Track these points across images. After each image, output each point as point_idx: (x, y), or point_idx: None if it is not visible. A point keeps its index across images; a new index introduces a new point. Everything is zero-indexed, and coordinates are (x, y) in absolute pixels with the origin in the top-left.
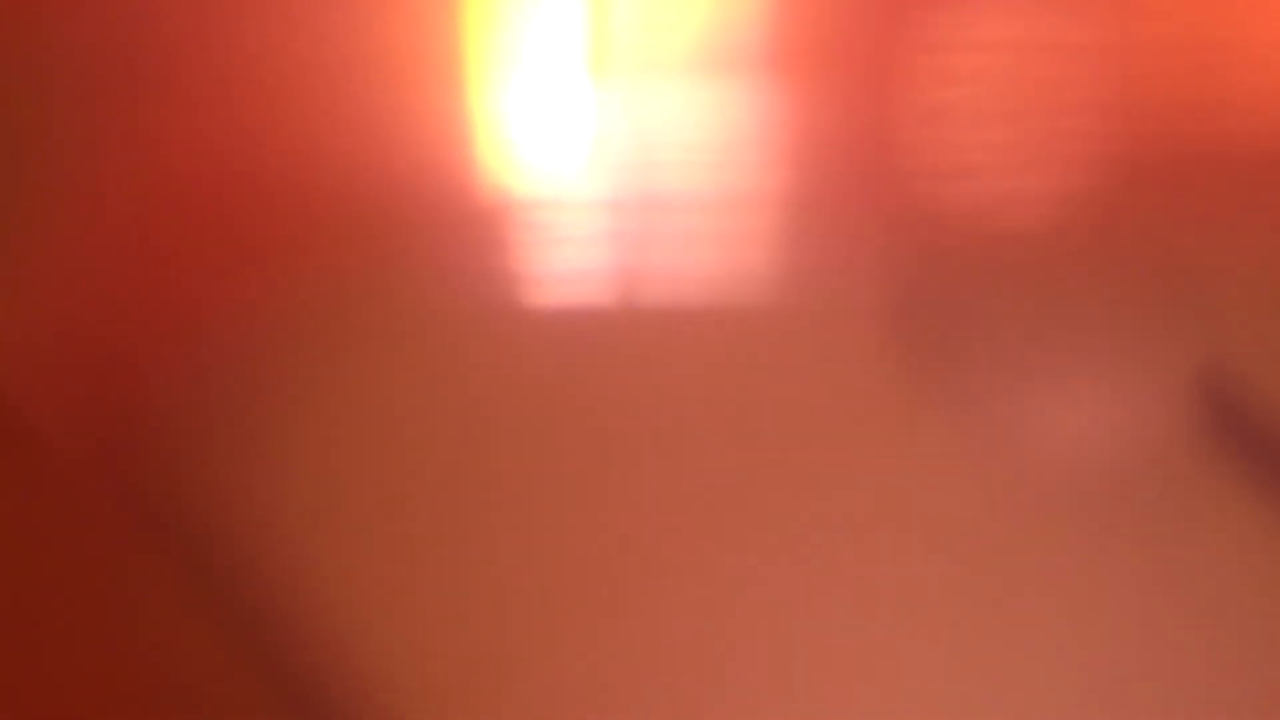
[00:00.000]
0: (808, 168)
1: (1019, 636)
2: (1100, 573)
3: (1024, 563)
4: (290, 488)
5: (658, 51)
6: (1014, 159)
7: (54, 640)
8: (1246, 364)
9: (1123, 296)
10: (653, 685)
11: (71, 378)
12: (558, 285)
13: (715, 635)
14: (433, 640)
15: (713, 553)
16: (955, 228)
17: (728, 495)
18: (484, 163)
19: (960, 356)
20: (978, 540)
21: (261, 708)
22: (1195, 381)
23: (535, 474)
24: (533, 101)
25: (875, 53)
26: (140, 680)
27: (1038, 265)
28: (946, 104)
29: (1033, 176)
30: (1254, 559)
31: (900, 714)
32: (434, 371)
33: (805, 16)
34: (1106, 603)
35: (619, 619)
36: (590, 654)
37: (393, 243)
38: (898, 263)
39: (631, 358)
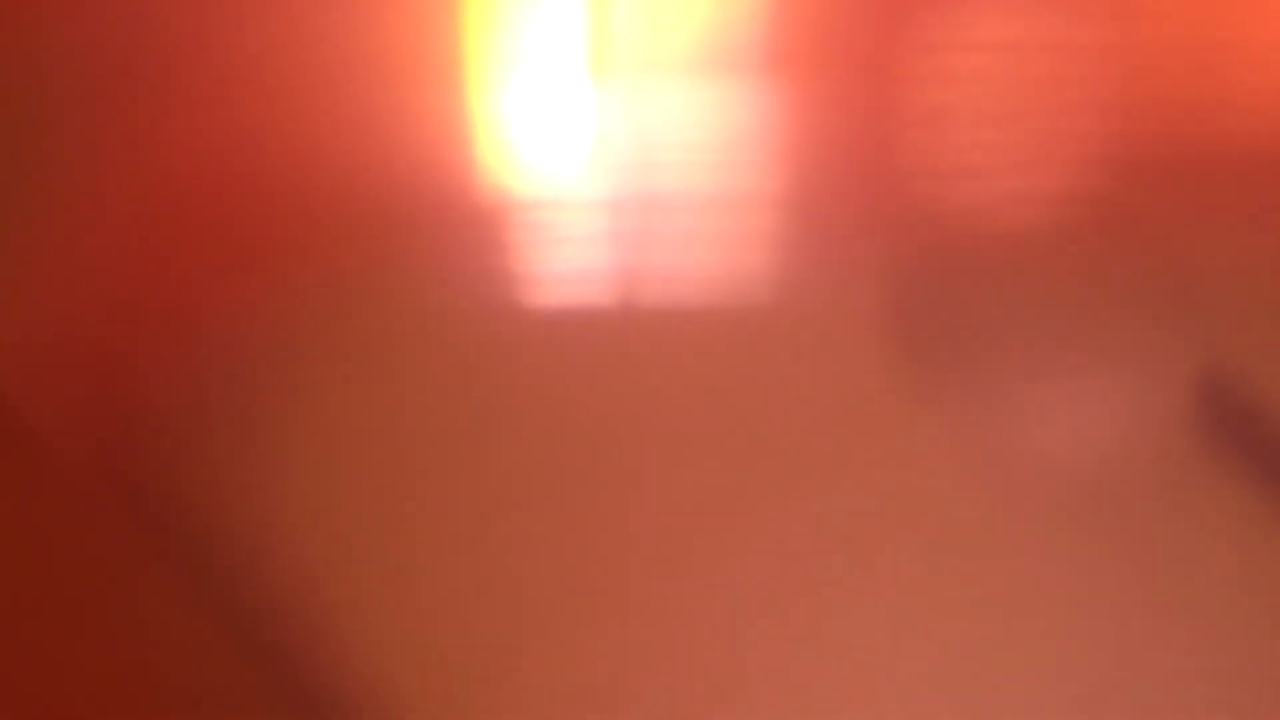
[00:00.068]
0: (807, 168)
1: (1018, 635)
2: (1099, 571)
3: (1023, 561)
4: (290, 487)
5: (658, 51)
6: (1014, 159)
7: (54, 640)
8: (1246, 364)
9: (1122, 296)
10: (653, 684)
11: (71, 378)
12: (558, 285)
13: (715, 634)
14: (433, 639)
15: (713, 551)
16: (955, 228)
17: (727, 494)
18: (484, 163)
19: (959, 356)
20: (977, 539)
21: (262, 707)
22: (1195, 381)
23: (535, 473)
24: (533, 101)
25: (875, 53)
26: (140, 680)
27: (1038, 265)
28: (946, 104)
29: (1033, 176)
30: (1253, 558)
31: (900, 712)
32: (434, 371)
33: (805, 16)
34: (1106, 601)
35: (619, 618)
36: (591, 653)
37: (393, 243)
38: (897, 262)
39: (631, 358)
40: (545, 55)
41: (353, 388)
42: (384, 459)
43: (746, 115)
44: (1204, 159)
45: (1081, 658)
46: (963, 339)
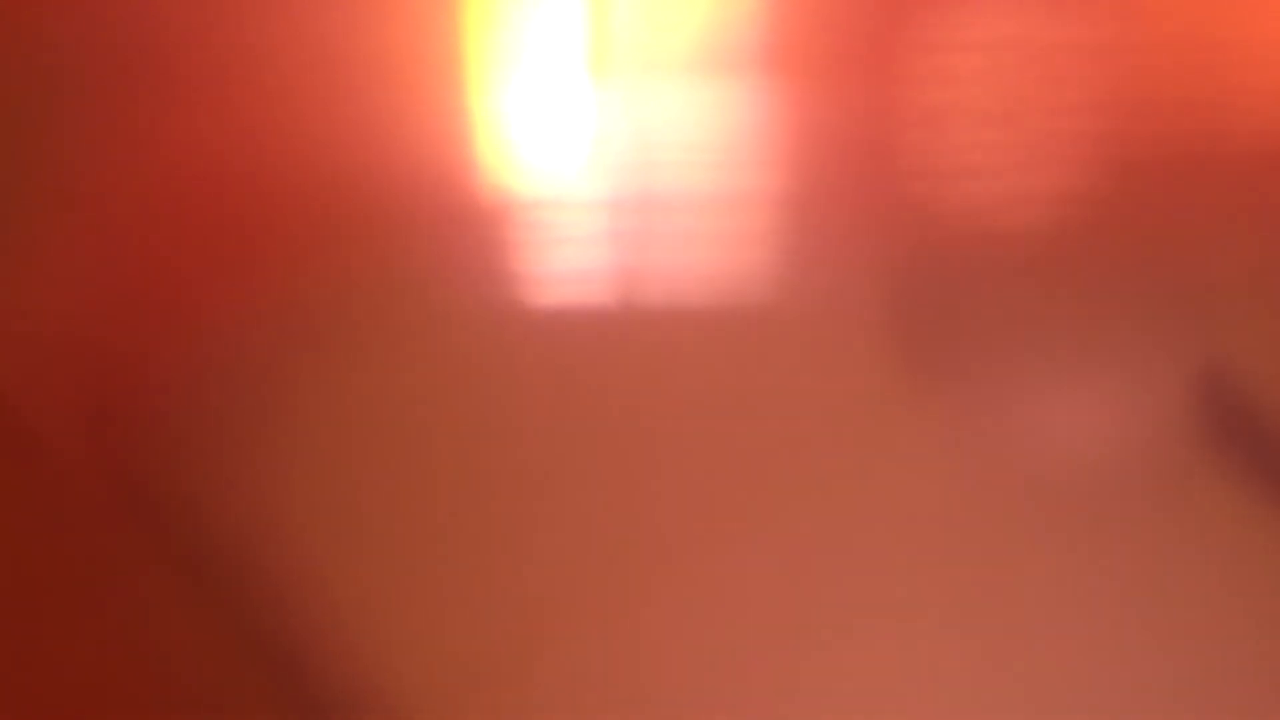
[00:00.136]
0: (807, 168)
1: (1018, 635)
2: (1099, 572)
3: (1022, 562)
4: (291, 487)
5: (658, 51)
6: (1014, 159)
7: (54, 640)
8: (1246, 364)
9: (1122, 296)
10: (653, 684)
11: (71, 377)
12: (558, 285)
13: (715, 634)
14: (436, 639)
15: (713, 551)
16: (955, 228)
17: (727, 494)
18: (484, 163)
19: (959, 355)
20: (977, 539)
21: (264, 707)
22: (1195, 381)
23: (536, 473)
24: (533, 101)
25: (875, 53)
26: (141, 680)
27: (1038, 265)
28: (946, 104)
29: (1032, 176)
30: (1253, 559)
31: (900, 713)
32: (434, 371)
33: (805, 16)
34: (1106, 602)
35: (620, 618)
36: (592, 653)
37: (392, 243)
38: (897, 262)
39: (631, 358)
40: (545, 55)
41: (353, 387)
42: (384, 458)
43: (746, 115)
44: (1204, 159)
45: (1081, 657)
46: (962, 338)
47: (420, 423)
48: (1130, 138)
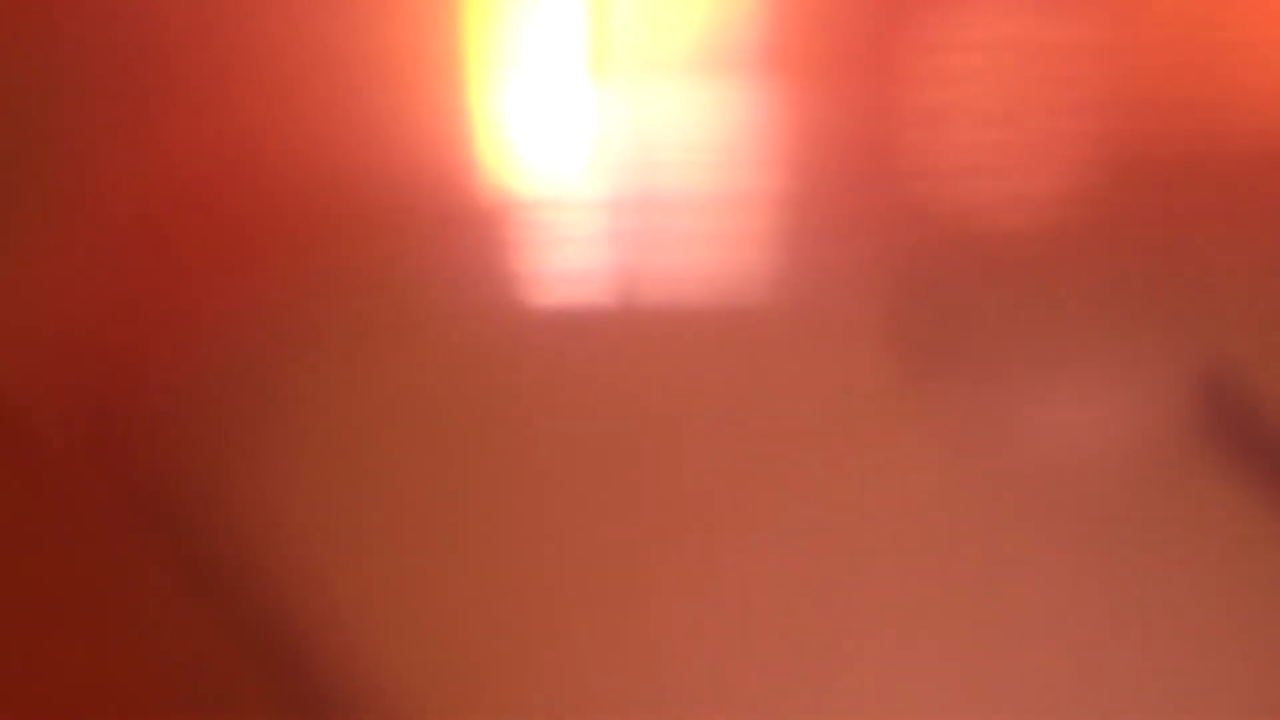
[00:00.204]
0: (807, 168)
1: (1018, 635)
2: (1099, 572)
3: (1022, 560)
4: (291, 487)
5: (658, 51)
6: (1014, 159)
7: (55, 640)
8: (1246, 364)
9: (1122, 296)
10: (653, 684)
11: (72, 377)
12: (558, 285)
13: (715, 634)
14: (435, 638)
15: (712, 551)
16: (955, 228)
17: (727, 494)
18: (484, 163)
19: (959, 355)
20: (976, 539)
21: (265, 707)
22: (1195, 381)
23: (536, 474)
24: (533, 101)
25: (875, 53)
26: (142, 679)
27: (1038, 265)
28: (946, 104)
29: (1032, 176)
30: (1252, 559)
31: (899, 712)
32: (434, 371)
33: (805, 16)
34: (1105, 602)
35: (620, 618)
36: (592, 653)
37: (393, 243)
38: (897, 262)
39: (631, 358)
40: (545, 55)
41: (353, 387)
42: (384, 458)
43: (746, 115)
44: (1204, 159)
45: (1081, 656)
46: (962, 338)
47: (420, 422)
48: (1130, 138)
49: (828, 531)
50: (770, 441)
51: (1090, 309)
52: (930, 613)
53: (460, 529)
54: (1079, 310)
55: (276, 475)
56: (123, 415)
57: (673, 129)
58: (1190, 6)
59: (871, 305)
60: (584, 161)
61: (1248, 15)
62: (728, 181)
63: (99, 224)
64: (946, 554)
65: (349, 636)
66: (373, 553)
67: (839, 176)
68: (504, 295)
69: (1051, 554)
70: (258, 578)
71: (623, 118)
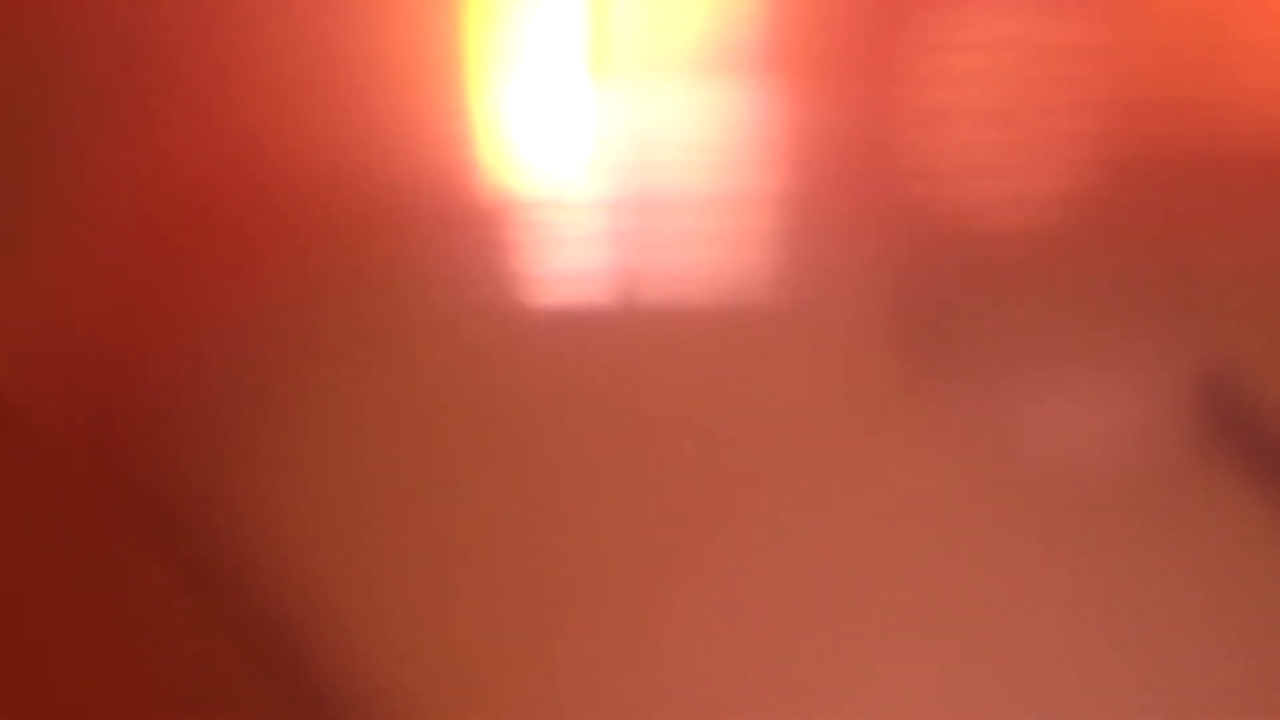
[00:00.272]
0: (807, 168)
1: (1019, 636)
2: (1100, 572)
3: (1023, 562)
4: (291, 487)
5: (658, 52)
6: (1014, 159)
7: (55, 640)
8: (1247, 364)
9: (1123, 296)
10: (653, 685)
11: (72, 377)
12: (558, 285)
13: (716, 635)
14: (437, 638)
15: (714, 551)
16: (955, 228)
17: (727, 495)
18: (484, 163)
19: (960, 356)
20: (977, 538)
21: (264, 707)
22: (1196, 381)
23: (536, 474)
24: (533, 101)
25: (875, 53)
26: (142, 679)
27: (1038, 265)
28: (946, 104)
29: (1032, 176)
30: (1254, 559)
31: (900, 712)
32: (434, 371)
33: (805, 17)
34: (1107, 602)
35: (620, 619)
36: (592, 654)
37: (392, 243)
38: (897, 262)
39: (631, 358)
40: (545, 55)
41: (353, 388)
42: (385, 459)
43: (746, 115)
44: (1204, 159)
45: (1081, 658)
46: (962, 338)
47: (421, 423)
48: (1130, 138)
49: (828, 531)
50: (770, 441)
51: (1091, 309)
52: (931, 611)
53: (460, 529)
54: (1079, 310)
55: (276, 475)
56: (123, 415)
57: (673, 129)
58: (1190, 6)
59: (872, 305)
60: (584, 162)
61: (1248, 15)
62: (728, 181)
63: (99, 224)
64: (947, 553)
65: (349, 636)
66: (372, 553)
67: (839, 176)
68: (504, 295)
69: (1052, 553)
70: (257, 578)
71: (623, 118)
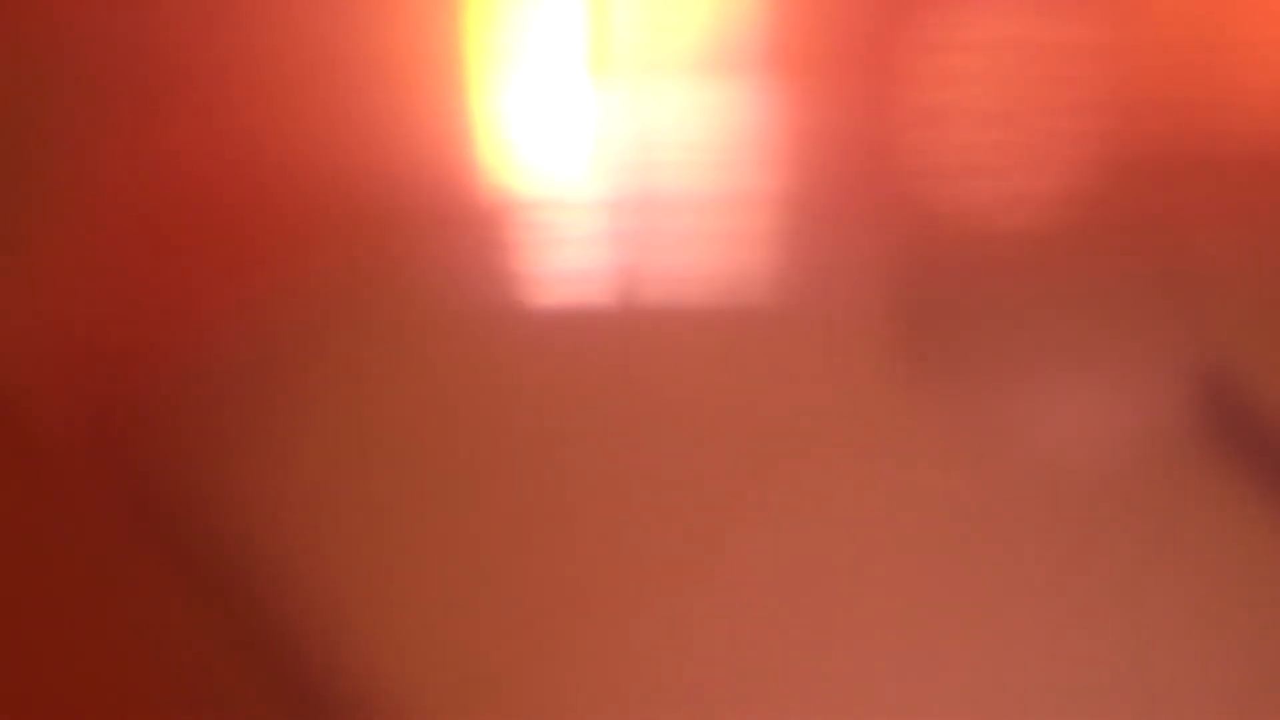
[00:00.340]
0: (808, 168)
1: (1019, 635)
2: (1100, 572)
3: (1023, 561)
4: (292, 487)
5: (658, 52)
6: (1014, 159)
7: (55, 640)
8: (1247, 364)
9: (1123, 296)
10: (653, 686)
11: (72, 377)
12: (558, 285)
13: (716, 635)
14: (438, 638)
15: (713, 552)
16: (955, 227)
17: (728, 495)
18: (484, 163)
19: (960, 356)
20: (978, 539)
21: (265, 706)
22: (1195, 381)
23: (536, 474)
24: (533, 101)
25: (875, 53)
26: (142, 679)
27: (1038, 265)
28: (946, 104)
29: (1032, 176)
30: (1254, 559)
31: (901, 712)
32: (435, 371)
33: (805, 16)
34: (1107, 601)
35: (620, 619)
36: (591, 654)
37: (392, 243)
38: (898, 262)
39: (631, 358)
40: (545, 55)
41: (353, 388)
42: (385, 459)
43: (747, 115)
44: (1204, 159)
45: (1082, 658)
46: (962, 338)
47: (421, 422)
48: (1130, 138)
49: (829, 531)
50: (771, 441)
51: (1090, 309)
52: (931, 611)
53: (460, 529)
54: (1079, 310)
55: (276, 475)
56: (123, 415)
57: (673, 129)
58: (1190, 6)
59: (872, 305)
60: (584, 162)
61: (1248, 15)
62: (728, 181)
63: (99, 224)
64: (947, 552)
65: (350, 636)
66: (373, 552)
67: (839, 176)
68: (504, 295)
69: (1052, 552)
70: (258, 577)
71: (623, 118)
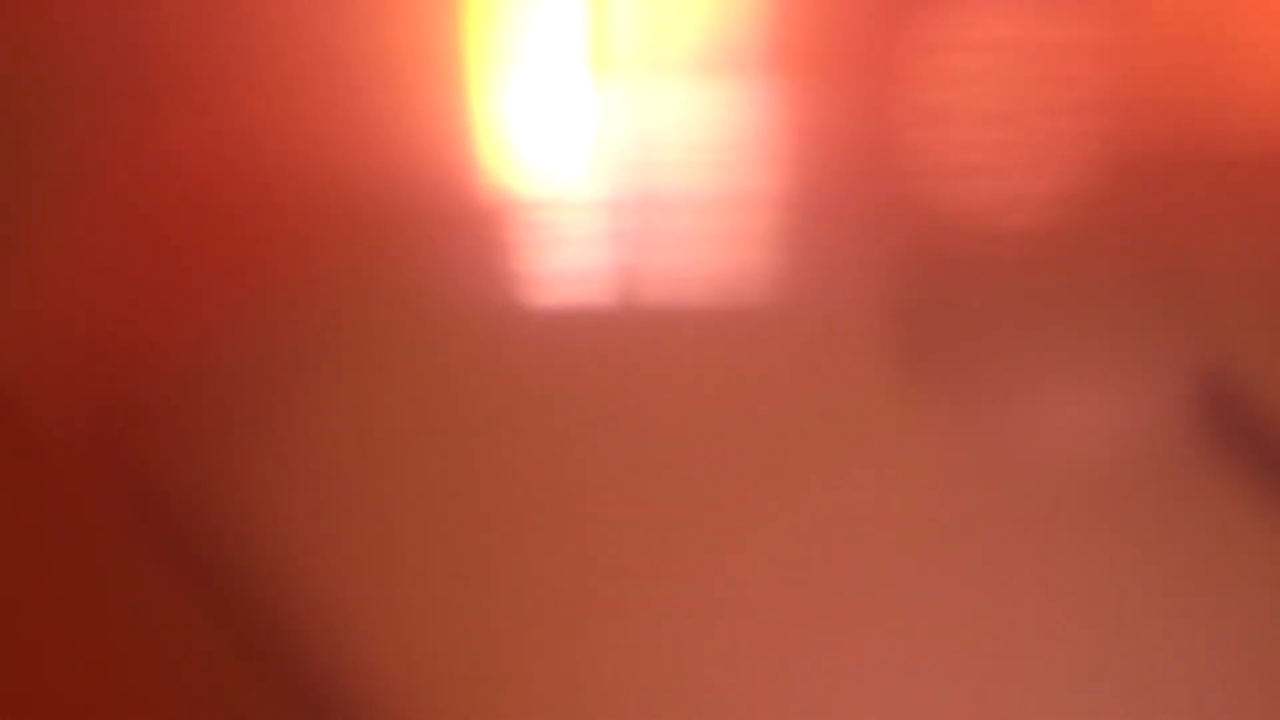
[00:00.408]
0: (808, 168)
1: (1019, 635)
2: (1100, 572)
3: (1024, 561)
4: (292, 487)
5: (658, 52)
6: (1014, 159)
7: (56, 640)
8: (1246, 364)
9: (1123, 296)
10: (652, 686)
11: (73, 377)
12: (558, 285)
13: (716, 636)
14: (438, 638)
15: (713, 552)
16: (955, 227)
17: (728, 495)
18: (484, 163)
19: (960, 356)
20: (978, 540)
21: (266, 706)
22: (1195, 381)
23: (536, 474)
24: (533, 101)
25: (875, 53)
26: (143, 679)
27: (1038, 265)
28: (946, 104)
29: (1032, 176)
30: (1254, 558)
31: (900, 713)
32: (435, 371)
33: (805, 17)
34: (1107, 601)
35: (619, 619)
36: (591, 654)
37: (393, 243)
38: (898, 262)
39: (631, 358)
40: (545, 55)
41: (353, 388)
42: (385, 459)
43: (747, 115)
44: (1204, 159)
45: (1082, 658)
46: (963, 339)
47: (421, 423)
48: (1130, 138)
49: (828, 531)
50: (770, 441)
51: (1090, 309)
52: (930, 611)
53: (460, 529)
54: (1079, 310)
55: (277, 475)
56: (124, 415)
57: (673, 129)
58: (1190, 6)
59: (872, 305)
60: (584, 162)
61: (1248, 15)
62: (728, 181)
63: (100, 223)
64: (947, 552)
65: (351, 636)
66: (374, 552)
67: (839, 176)
68: (504, 295)
69: (1052, 552)
70: (259, 577)
71: (623, 118)
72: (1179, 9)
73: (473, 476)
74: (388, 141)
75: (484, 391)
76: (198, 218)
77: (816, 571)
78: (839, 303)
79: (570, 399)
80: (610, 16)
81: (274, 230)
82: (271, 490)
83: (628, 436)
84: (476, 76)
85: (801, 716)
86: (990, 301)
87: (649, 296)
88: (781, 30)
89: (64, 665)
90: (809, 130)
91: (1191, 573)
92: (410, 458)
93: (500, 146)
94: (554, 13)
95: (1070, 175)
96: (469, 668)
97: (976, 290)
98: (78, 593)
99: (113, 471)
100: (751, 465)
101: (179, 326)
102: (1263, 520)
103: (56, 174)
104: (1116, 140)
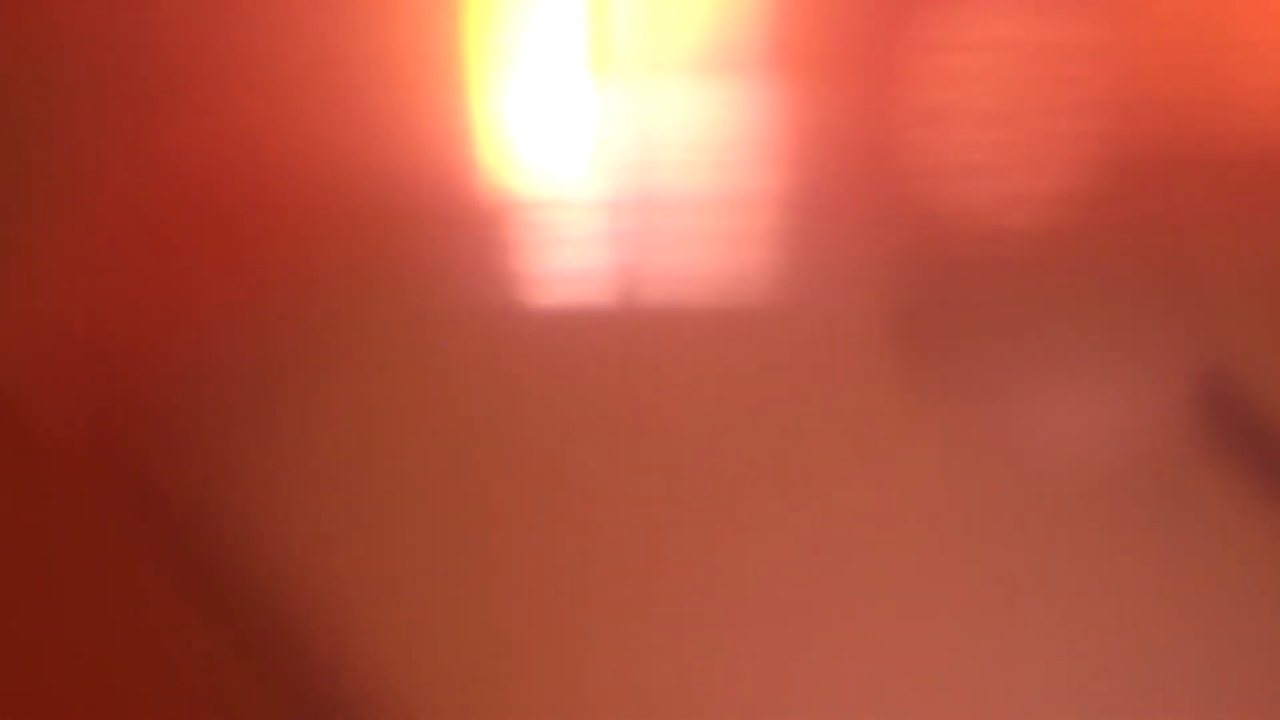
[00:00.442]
0: (808, 168)
1: (1019, 636)
2: (1100, 572)
3: (1024, 562)
4: (292, 487)
5: (658, 52)
6: (1014, 159)
7: (56, 641)
8: (1246, 364)
9: (1123, 296)
10: (652, 687)
11: (73, 378)
12: (558, 285)
13: (716, 636)
14: (439, 638)
15: (713, 553)
16: (955, 228)
17: (728, 495)
18: (484, 163)
19: (960, 356)
20: (978, 540)
21: (266, 706)
22: (1195, 381)
23: (536, 474)
24: (533, 101)
25: (875, 53)
26: (143, 679)
27: (1038, 265)
28: (946, 104)
29: (1033, 176)
30: (1254, 558)
31: (900, 712)
32: (435, 371)
33: (805, 17)
34: (1107, 602)
35: (619, 619)
36: (591, 655)
37: (393, 243)
38: (898, 262)
39: (631, 358)
40: (545, 55)
41: (353, 388)
42: (385, 459)
43: (747, 115)
44: (1204, 159)
45: (1083, 658)
46: (963, 339)
47: (421, 423)
48: (1130, 138)
49: (828, 531)
50: (770, 441)
51: (1090, 309)
52: (930, 612)
53: (460, 528)
54: (1079, 310)
55: (277, 475)
56: (124, 415)
57: (673, 129)
58: (1190, 6)
59: (872, 305)
60: (584, 161)
61: (1248, 15)
62: (728, 181)
63: (100, 224)
64: (946, 552)
65: (354, 635)
66: (375, 552)
67: (839, 176)
68: (504, 295)
69: (1052, 552)
70: (260, 577)
71: (623, 118)
72: (1179, 9)
73: (473, 476)
74: (388, 141)
75: (484, 391)
76: (198, 218)
77: (817, 571)
78: (839, 303)
79: (570, 399)
80: (610, 16)
81: (274, 230)
82: (271, 490)
83: (628, 436)
84: (476, 76)
85: (801, 716)
86: (990, 302)
87: (649, 296)
88: (781, 30)
89: (64, 665)
90: (809, 130)
91: (1192, 573)
92: (411, 458)
93: (500, 146)
94: (554, 13)
95: (1070, 175)
96: (470, 668)
97: (976, 290)
98: (78, 593)
99: (113, 471)
100: (751, 465)
101: (179, 326)
102: (1262, 520)
103: (56, 174)
104: (1116, 140)
